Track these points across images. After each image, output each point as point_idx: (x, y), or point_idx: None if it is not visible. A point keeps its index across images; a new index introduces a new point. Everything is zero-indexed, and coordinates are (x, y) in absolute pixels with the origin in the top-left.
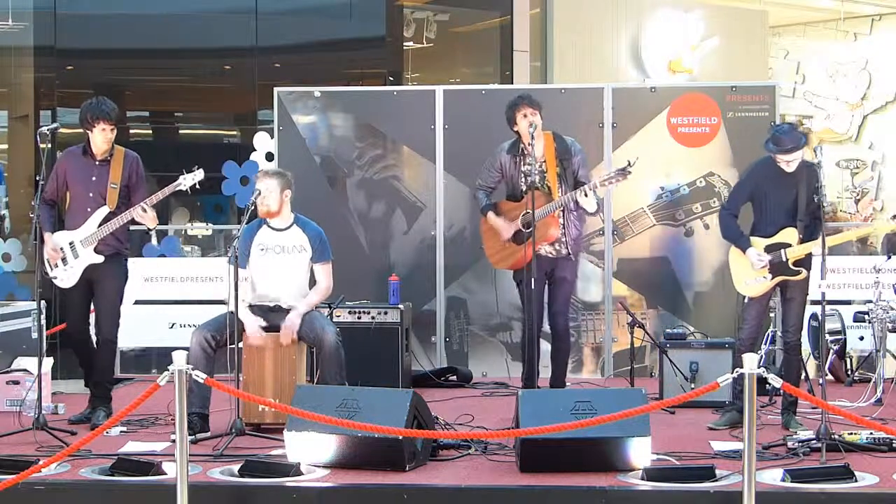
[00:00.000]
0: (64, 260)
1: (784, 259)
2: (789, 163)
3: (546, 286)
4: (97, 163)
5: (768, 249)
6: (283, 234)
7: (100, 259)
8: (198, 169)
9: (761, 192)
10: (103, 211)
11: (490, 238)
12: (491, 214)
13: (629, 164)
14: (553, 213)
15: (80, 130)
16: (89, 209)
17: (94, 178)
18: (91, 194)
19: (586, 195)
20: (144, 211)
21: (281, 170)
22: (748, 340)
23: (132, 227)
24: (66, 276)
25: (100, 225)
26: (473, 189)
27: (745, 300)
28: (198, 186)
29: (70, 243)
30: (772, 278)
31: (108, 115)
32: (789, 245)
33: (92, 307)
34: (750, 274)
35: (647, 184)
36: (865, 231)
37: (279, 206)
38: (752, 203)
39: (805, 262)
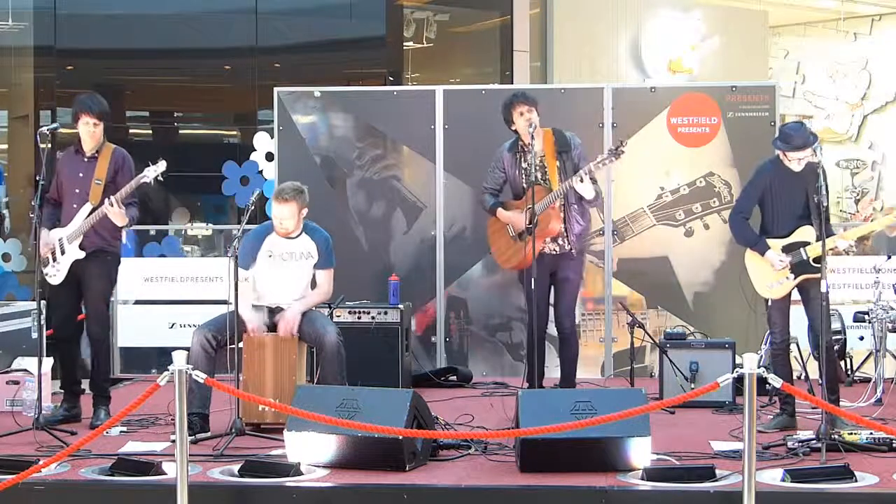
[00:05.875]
0: (53, 256)
1: (805, 257)
2: (799, 161)
3: (550, 287)
4: (86, 159)
5: (786, 250)
6: (292, 241)
7: (82, 255)
8: (160, 160)
9: (771, 194)
10: (87, 207)
11: (497, 239)
12: (500, 210)
13: (622, 144)
14: (553, 204)
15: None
16: (76, 205)
17: (81, 175)
18: (77, 191)
19: (581, 180)
20: (111, 206)
21: (298, 186)
22: (783, 343)
23: (134, 228)
24: (55, 273)
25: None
26: (475, 189)
27: (769, 304)
28: (160, 178)
29: (59, 240)
30: (794, 278)
31: (90, 108)
32: (808, 243)
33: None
34: (771, 277)
35: (647, 184)
36: (870, 228)
37: (296, 226)
38: (761, 205)
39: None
